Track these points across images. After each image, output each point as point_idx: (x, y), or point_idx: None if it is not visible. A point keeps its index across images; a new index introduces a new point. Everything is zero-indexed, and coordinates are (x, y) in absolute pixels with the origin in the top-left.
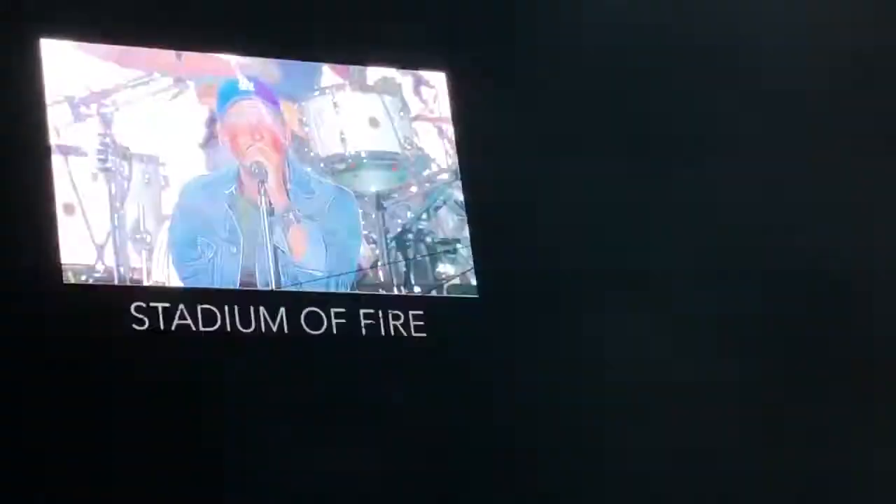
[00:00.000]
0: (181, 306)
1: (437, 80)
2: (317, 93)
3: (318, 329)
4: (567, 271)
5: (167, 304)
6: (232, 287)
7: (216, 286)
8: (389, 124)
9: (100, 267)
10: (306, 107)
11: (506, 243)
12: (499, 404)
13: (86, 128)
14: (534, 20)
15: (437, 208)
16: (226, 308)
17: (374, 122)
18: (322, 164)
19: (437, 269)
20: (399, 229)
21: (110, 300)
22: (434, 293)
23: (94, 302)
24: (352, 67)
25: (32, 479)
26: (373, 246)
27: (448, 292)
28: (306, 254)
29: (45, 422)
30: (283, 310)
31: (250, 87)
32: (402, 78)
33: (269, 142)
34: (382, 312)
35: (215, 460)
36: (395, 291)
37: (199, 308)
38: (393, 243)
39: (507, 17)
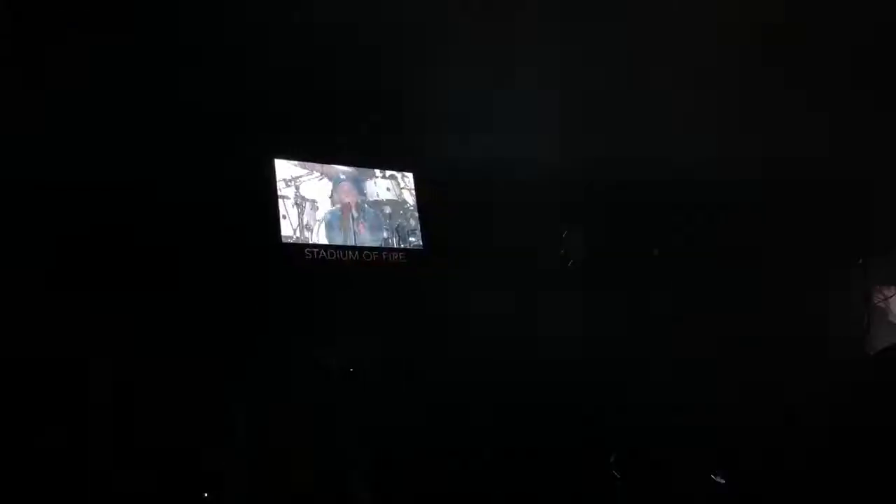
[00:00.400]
0: (323, 251)
1: (410, 176)
2: (370, 179)
3: (370, 259)
4: (457, 249)
5: (318, 249)
6: (340, 244)
7: (336, 244)
8: (395, 190)
9: (294, 237)
10: (365, 184)
11: (433, 233)
12: (439, 295)
13: (290, 189)
14: (452, 151)
15: (410, 218)
16: (339, 251)
17: (388, 190)
18: (372, 202)
19: (409, 239)
20: (396, 225)
21: (297, 248)
22: (409, 247)
23: (291, 248)
24: (381, 170)
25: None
26: (388, 231)
27: (413, 247)
28: (365, 234)
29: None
30: (357, 252)
31: (343, 176)
32: (398, 174)
33: (353, 196)
34: (390, 254)
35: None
36: (395, 245)
37: (328, 251)
38: (395, 231)
39: (441, 149)
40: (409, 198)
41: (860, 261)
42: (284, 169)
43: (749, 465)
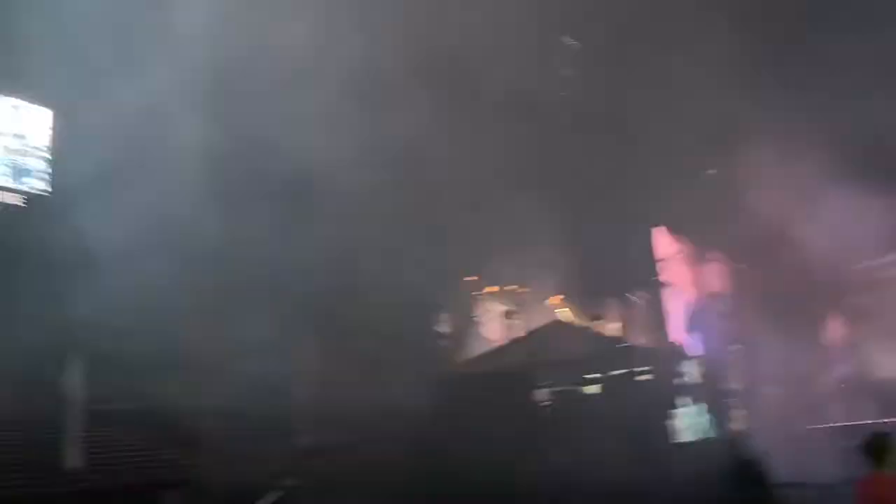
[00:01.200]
0: None
1: (49, 113)
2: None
3: None
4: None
5: None
6: None
7: None
8: (21, 123)
9: None
10: None
11: (65, 178)
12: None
13: None
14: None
15: (37, 157)
16: None
17: (12, 122)
18: None
19: (31, 180)
20: (15, 163)
21: None
22: (29, 190)
23: None
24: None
25: None
26: (4, 167)
27: (35, 190)
28: None
29: None
30: None
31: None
32: (31, 106)
33: None
34: (3, 195)
35: None
36: (11, 186)
37: None
38: (14, 170)
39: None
40: (42, 136)
41: None
42: None
43: None
